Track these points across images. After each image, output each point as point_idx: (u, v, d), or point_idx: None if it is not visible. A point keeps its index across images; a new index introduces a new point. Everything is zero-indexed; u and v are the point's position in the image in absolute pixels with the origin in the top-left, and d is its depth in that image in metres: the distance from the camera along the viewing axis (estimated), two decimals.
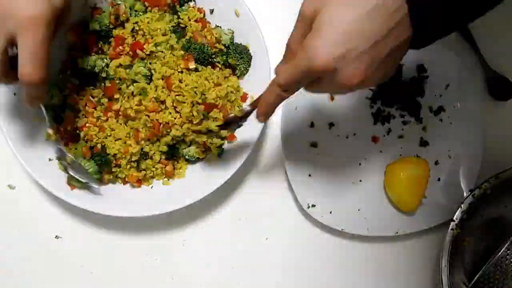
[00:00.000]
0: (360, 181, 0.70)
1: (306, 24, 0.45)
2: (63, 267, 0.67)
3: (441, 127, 0.71)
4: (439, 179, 0.71)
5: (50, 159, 0.62)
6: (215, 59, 0.65)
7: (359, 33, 0.41)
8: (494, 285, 0.65)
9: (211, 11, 0.66)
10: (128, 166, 0.63)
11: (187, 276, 0.68)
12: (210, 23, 0.67)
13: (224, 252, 0.69)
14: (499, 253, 0.64)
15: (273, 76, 0.63)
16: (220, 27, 0.66)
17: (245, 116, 0.56)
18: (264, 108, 0.51)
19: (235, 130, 0.61)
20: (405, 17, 0.41)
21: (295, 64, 0.45)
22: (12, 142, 0.60)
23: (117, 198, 0.63)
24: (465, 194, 0.69)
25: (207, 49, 0.64)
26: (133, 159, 0.63)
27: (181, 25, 0.65)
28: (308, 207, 0.67)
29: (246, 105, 0.57)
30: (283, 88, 0.47)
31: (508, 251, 0.64)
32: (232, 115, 0.58)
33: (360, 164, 0.70)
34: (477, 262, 0.66)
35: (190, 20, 0.65)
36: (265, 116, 0.52)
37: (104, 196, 0.63)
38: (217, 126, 0.59)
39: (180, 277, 0.68)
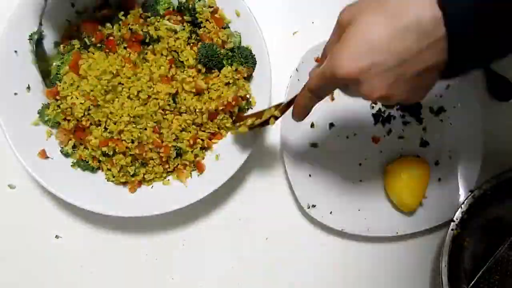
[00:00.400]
0: (360, 181, 0.70)
1: (340, 32, 0.44)
2: (63, 267, 0.67)
3: (442, 128, 0.71)
4: (439, 179, 0.71)
5: (51, 159, 0.63)
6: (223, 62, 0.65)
7: (386, 49, 0.40)
8: (494, 285, 0.65)
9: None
10: (121, 174, 0.63)
11: (187, 276, 0.68)
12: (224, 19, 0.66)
13: (224, 252, 0.69)
14: (499, 254, 0.64)
15: (273, 77, 0.64)
16: (229, 27, 0.66)
17: (280, 114, 0.57)
18: (298, 110, 0.52)
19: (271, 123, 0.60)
20: (439, 40, 0.39)
21: (322, 71, 0.45)
22: (12, 142, 0.60)
23: (117, 198, 0.63)
24: (465, 195, 0.69)
25: (217, 49, 0.63)
26: (129, 170, 0.63)
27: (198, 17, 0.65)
28: (308, 207, 0.67)
29: (281, 104, 0.58)
30: (313, 93, 0.48)
31: (508, 252, 0.64)
32: (272, 110, 0.58)
33: (360, 164, 0.70)
34: (477, 262, 0.66)
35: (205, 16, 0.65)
36: (299, 118, 0.53)
37: (104, 196, 0.63)
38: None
39: (180, 277, 0.68)
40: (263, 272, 0.69)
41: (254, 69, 0.65)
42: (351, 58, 0.41)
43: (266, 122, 0.58)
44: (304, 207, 0.67)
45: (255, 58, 0.65)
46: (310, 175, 0.69)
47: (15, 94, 0.62)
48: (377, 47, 0.40)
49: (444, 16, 0.38)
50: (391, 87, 0.42)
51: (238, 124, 0.62)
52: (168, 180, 0.65)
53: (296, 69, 0.68)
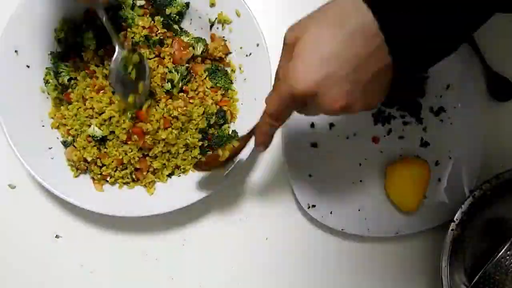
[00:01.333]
0: (361, 181, 0.70)
1: (289, 52, 0.44)
2: (63, 267, 0.67)
3: (442, 128, 0.71)
4: (439, 180, 0.71)
5: (51, 158, 0.63)
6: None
7: (337, 58, 0.41)
8: (494, 285, 0.65)
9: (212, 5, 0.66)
10: (119, 182, 0.64)
11: (187, 276, 0.68)
12: (227, 41, 0.67)
13: (224, 252, 0.69)
14: (500, 254, 0.63)
15: (273, 77, 0.64)
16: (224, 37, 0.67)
17: (243, 145, 0.58)
18: (261, 138, 0.52)
19: (235, 158, 0.61)
20: (383, 43, 0.41)
21: (279, 93, 0.45)
22: (13, 141, 0.60)
23: (117, 198, 0.63)
24: (465, 195, 0.69)
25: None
26: (125, 179, 0.64)
27: None
28: (308, 207, 0.67)
29: (241, 136, 0.59)
30: (273, 118, 0.48)
31: (508, 252, 0.64)
32: (232, 146, 0.58)
33: (360, 164, 0.70)
34: (477, 262, 0.66)
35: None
36: (263, 146, 0.52)
37: (104, 196, 0.63)
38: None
39: (180, 277, 0.68)
40: (263, 272, 0.69)
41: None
42: (306, 73, 0.42)
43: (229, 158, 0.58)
44: (304, 207, 0.67)
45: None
46: (310, 175, 0.68)
47: (15, 94, 0.62)
48: (329, 57, 0.41)
49: (378, 22, 0.40)
50: (349, 95, 0.42)
51: (199, 167, 0.61)
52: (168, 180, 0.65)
53: None
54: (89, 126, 0.62)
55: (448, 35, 0.42)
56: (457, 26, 0.42)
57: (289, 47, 0.44)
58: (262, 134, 0.51)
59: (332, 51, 0.41)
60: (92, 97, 0.62)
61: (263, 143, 0.52)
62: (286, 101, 0.45)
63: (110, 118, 0.61)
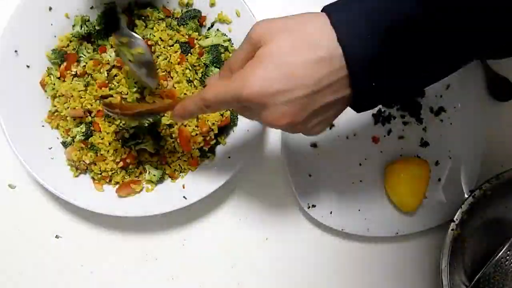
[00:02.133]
0: (361, 181, 0.70)
1: (251, 48, 0.43)
2: (63, 267, 0.67)
3: (442, 128, 0.71)
4: (439, 180, 0.71)
5: (51, 159, 0.63)
6: None
7: (299, 79, 0.40)
8: (494, 286, 0.65)
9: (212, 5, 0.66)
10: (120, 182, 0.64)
11: (187, 276, 0.68)
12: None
13: (224, 252, 0.69)
14: (499, 254, 0.64)
15: None
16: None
17: (160, 110, 0.54)
18: (181, 112, 0.49)
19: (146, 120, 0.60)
20: (345, 77, 0.41)
21: (227, 86, 0.43)
22: (12, 141, 0.60)
23: (117, 198, 0.63)
24: (465, 195, 0.69)
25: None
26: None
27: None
28: (308, 207, 0.67)
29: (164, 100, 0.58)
30: (206, 105, 0.45)
31: (508, 252, 0.64)
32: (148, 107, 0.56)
33: (360, 164, 0.70)
34: (477, 263, 0.66)
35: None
36: (180, 119, 0.52)
37: (104, 196, 0.63)
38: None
39: (180, 277, 0.68)
40: (263, 272, 0.69)
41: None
42: (264, 81, 0.40)
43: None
44: (304, 207, 0.67)
45: None
46: (310, 175, 0.69)
47: (15, 94, 0.62)
48: (291, 76, 0.40)
49: (344, 54, 0.40)
50: (295, 116, 0.42)
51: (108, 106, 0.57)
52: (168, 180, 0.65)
53: None
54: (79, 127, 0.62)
55: (412, 87, 0.44)
56: (422, 79, 0.43)
57: (253, 43, 0.43)
58: (185, 110, 0.48)
59: (296, 71, 0.40)
60: (62, 95, 0.62)
61: (182, 117, 0.50)
62: (230, 99, 0.43)
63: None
